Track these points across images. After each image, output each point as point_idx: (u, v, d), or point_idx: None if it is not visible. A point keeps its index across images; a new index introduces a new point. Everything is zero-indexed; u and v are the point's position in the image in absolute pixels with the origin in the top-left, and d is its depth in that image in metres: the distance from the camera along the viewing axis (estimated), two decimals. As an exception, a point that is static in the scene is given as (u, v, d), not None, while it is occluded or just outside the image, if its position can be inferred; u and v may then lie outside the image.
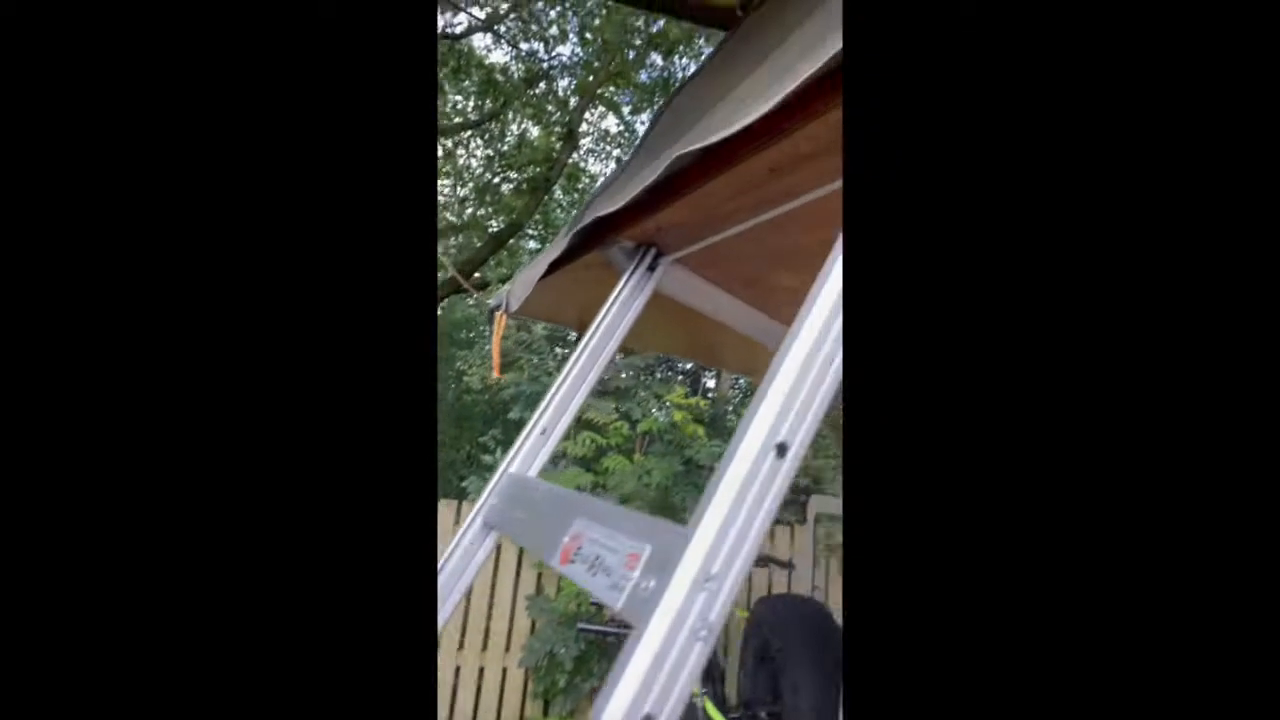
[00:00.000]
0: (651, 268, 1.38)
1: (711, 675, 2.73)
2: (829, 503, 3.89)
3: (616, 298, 1.33)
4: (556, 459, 4.46)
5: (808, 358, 0.75)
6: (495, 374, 2.07)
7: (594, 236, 1.36)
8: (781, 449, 0.72)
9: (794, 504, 4.55)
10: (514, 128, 9.09)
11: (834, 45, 0.73)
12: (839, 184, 1.03)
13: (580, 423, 4.58)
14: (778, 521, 4.09)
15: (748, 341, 1.95)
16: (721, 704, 2.61)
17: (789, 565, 3.41)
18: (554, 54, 8.06)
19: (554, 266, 1.48)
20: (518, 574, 4.06)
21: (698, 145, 0.91)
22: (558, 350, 6.11)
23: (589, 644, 3.61)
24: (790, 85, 0.77)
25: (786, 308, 1.78)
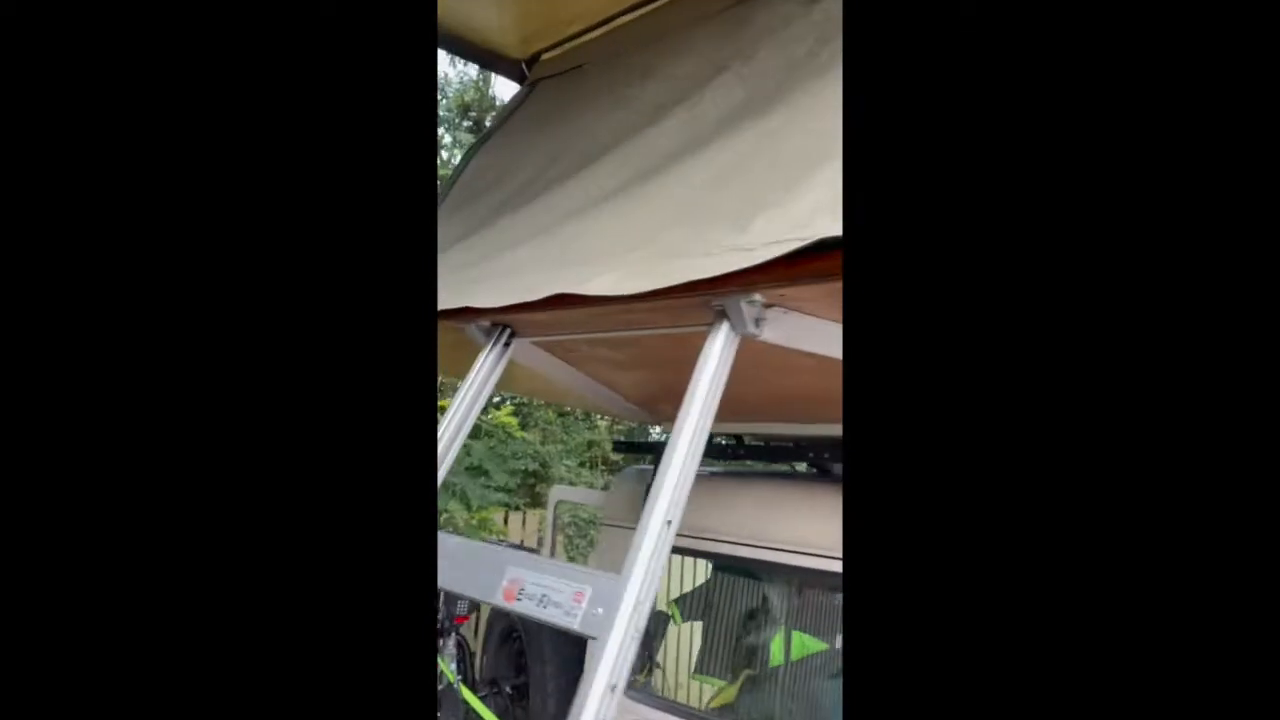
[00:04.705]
0: (506, 344, 1.55)
1: (461, 662, 2.76)
2: (564, 490, 4.09)
3: (477, 372, 1.50)
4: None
5: (688, 452, 1.07)
6: None
7: (454, 314, 1.47)
8: (669, 523, 1.06)
9: (523, 488, 4.68)
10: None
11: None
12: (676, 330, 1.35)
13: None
14: (512, 508, 4.18)
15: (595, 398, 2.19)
16: (472, 686, 2.76)
17: (535, 550, 3.59)
18: None
19: None
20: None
21: (575, 290, 1.22)
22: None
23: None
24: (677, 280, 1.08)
25: (619, 377, 2.05)
